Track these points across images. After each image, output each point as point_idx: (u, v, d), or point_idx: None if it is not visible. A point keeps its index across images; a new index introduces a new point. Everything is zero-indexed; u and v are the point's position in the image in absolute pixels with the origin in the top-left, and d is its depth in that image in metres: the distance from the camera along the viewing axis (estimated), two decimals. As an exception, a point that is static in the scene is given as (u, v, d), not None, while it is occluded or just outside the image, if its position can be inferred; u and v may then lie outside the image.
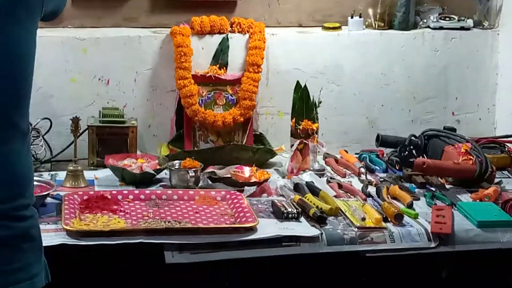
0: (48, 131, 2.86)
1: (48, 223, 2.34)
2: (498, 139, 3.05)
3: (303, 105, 2.95)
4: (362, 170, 2.83)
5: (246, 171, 2.75)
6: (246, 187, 2.65)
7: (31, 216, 1.76)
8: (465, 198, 2.63)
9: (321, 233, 2.32)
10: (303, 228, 2.35)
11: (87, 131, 2.87)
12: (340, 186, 2.71)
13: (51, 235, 2.24)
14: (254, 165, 2.81)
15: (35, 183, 2.50)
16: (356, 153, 3.03)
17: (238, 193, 2.58)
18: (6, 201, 1.68)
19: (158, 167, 2.75)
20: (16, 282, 1.70)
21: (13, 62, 1.73)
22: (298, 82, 2.97)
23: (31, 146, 2.75)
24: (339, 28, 3.13)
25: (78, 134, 2.77)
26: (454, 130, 2.99)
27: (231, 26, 3.05)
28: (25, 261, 1.72)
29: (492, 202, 2.55)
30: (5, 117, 1.68)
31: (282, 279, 2.35)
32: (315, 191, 2.60)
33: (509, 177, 2.86)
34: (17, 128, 1.71)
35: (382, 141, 3.01)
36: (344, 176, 2.84)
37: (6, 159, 1.69)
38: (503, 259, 2.42)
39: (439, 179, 2.76)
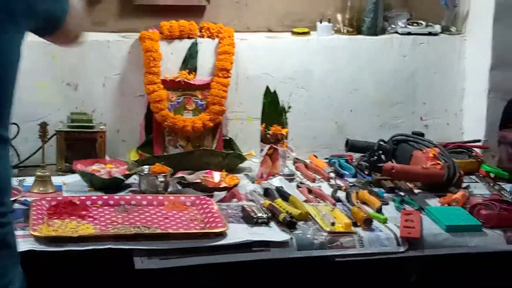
0: (15, 136, 2.83)
1: (16, 229, 2.30)
2: (465, 144, 3.07)
3: (273, 110, 2.95)
4: (332, 175, 2.84)
5: (216, 176, 2.75)
6: (216, 192, 2.65)
7: (8, 223, 1.75)
8: (434, 202, 2.64)
9: (291, 238, 2.32)
10: (273, 233, 2.35)
11: (55, 136, 2.85)
12: (309, 191, 2.71)
13: (19, 241, 2.19)
14: (224, 170, 2.81)
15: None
16: (325, 158, 3.03)
17: (208, 198, 2.57)
18: None
19: (127, 172, 2.73)
20: None
21: None
22: (267, 87, 2.97)
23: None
24: (308, 33, 3.14)
25: (46, 139, 2.75)
26: (422, 135, 3.00)
27: (200, 31, 3.05)
28: (0, 268, 1.71)
29: (460, 206, 2.57)
30: None
31: (253, 284, 2.34)
32: (285, 196, 2.60)
33: (477, 182, 2.87)
34: None
35: (351, 146, 3.02)
36: (313, 181, 2.84)
37: None
38: (471, 263, 2.43)
39: (408, 184, 2.77)
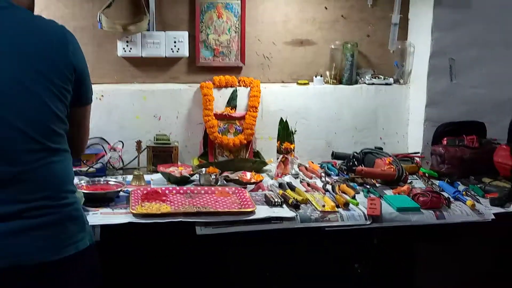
0: (121, 149, 2.86)
1: (121, 208, 2.33)
2: (409, 154, 3.05)
3: (285, 133, 2.95)
4: (323, 174, 2.82)
5: (248, 175, 2.74)
6: (248, 185, 2.64)
7: (71, 203, 1.72)
8: (389, 192, 2.62)
9: (296, 215, 2.31)
10: (285, 211, 2.34)
11: (146, 149, 2.86)
12: (308, 184, 2.70)
13: (122, 216, 2.23)
14: (253, 171, 2.80)
15: (113, 182, 2.54)
16: (319, 164, 3.01)
17: (243, 189, 2.56)
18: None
19: (191, 172, 2.73)
20: (64, 246, 1.67)
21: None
22: (281, 118, 2.97)
23: (112, 159, 2.78)
24: (307, 83, 3.13)
25: (141, 151, 2.76)
26: (381, 149, 2.99)
27: (239, 82, 3.04)
28: (71, 232, 1.70)
29: (406, 195, 2.55)
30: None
31: (271, 245, 2.33)
32: (292, 188, 2.59)
33: (417, 179, 2.84)
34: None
35: (335, 156, 3.01)
36: (311, 178, 2.82)
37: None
38: (413, 232, 2.41)
39: (372, 180, 2.75)
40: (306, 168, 2.93)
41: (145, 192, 2.46)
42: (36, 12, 2.83)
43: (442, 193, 2.55)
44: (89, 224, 1.85)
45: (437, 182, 2.77)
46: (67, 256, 1.67)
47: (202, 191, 2.54)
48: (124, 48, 2.93)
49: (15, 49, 1.63)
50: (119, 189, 2.45)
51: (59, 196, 1.68)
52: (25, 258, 1.61)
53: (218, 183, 2.66)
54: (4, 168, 1.60)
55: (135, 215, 2.22)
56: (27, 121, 1.62)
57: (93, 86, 2.89)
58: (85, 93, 1.83)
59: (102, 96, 2.89)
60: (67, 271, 1.69)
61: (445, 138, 2.91)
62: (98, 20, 2.84)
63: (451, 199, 2.52)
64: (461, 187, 2.68)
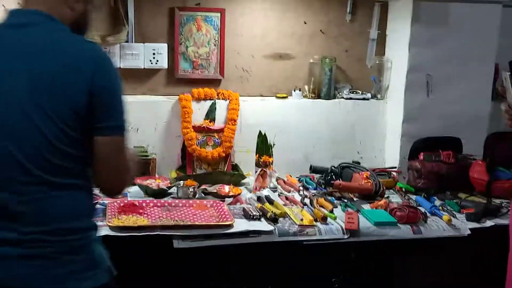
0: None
1: (97, 221, 2.28)
2: (386, 169, 3.05)
3: (263, 146, 2.93)
4: (301, 188, 2.82)
5: (226, 188, 2.72)
6: (226, 199, 2.63)
7: (77, 239, 1.61)
8: (366, 206, 2.62)
9: (274, 229, 2.30)
10: (263, 225, 2.33)
11: (123, 161, 2.82)
12: (286, 198, 2.69)
13: (99, 229, 2.19)
14: (231, 184, 2.79)
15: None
16: (296, 177, 3.00)
17: (221, 202, 2.54)
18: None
19: (169, 185, 2.71)
20: (66, 280, 1.58)
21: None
22: (260, 131, 2.96)
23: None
24: (286, 97, 3.12)
25: (118, 163, 2.73)
26: (359, 163, 2.99)
27: (218, 95, 3.03)
28: (74, 268, 1.59)
29: (383, 209, 2.55)
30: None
31: (248, 259, 2.31)
32: (271, 201, 2.58)
33: (394, 194, 2.85)
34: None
35: (313, 169, 3.01)
36: (289, 191, 2.81)
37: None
38: (390, 246, 2.41)
39: (350, 194, 2.75)
40: (284, 181, 2.92)
41: (122, 204, 2.43)
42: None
43: (419, 208, 2.55)
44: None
45: (413, 197, 2.78)
46: None
47: (180, 204, 2.51)
48: (102, 59, 2.90)
49: (26, 68, 1.51)
50: (95, 202, 2.41)
51: (57, 233, 1.55)
52: (23, 285, 1.54)
53: (196, 196, 2.64)
54: (5, 196, 1.53)
55: (111, 227, 2.19)
56: (24, 151, 1.51)
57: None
58: (108, 121, 1.57)
59: (80, 107, 2.85)
60: None
61: (422, 153, 2.93)
62: (77, 30, 2.81)
63: (428, 214, 2.53)
64: (437, 202, 2.70)
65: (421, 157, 2.92)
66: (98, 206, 2.41)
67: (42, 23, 1.58)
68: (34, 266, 1.54)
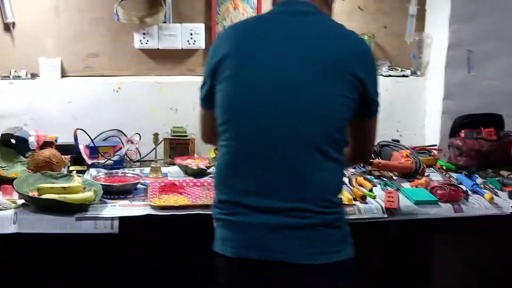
0: (138, 141, 2.85)
1: (139, 200, 2.32)
2: (426, 147, 3.00)
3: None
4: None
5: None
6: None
7: (333, 213, 1.67)
8: (406, 185, 2.59)
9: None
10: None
11: (163, 141, 2.84)
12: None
13: (141, 208, 2.22)
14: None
15: (131, 174, 2.54)
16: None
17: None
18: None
19: (208, 165, 2.72)
20: (325, 253, 1.64)
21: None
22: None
23: (129, 152, 2.77)
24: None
25: (157, 143, 2.75)
26: (398, 141, 2.95)
27: (255, 74, 3.01)
28: (330, 242, 1.66)
29: (424, 188, 2.51)
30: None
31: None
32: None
33: (434, 172, 2.81)
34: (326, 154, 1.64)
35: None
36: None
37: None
38: (431, 225, 2.38)
39: (389, 173, 2.72)
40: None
41: (162, 184, 2.45)
42: (52, 3, 2.85)
43: (460, 186, 2.51)
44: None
45: (454, 175, 2.73)
46: (329, 262, 1.63)
47: (219, 184, 2.52)
48: (140, 40, 2.91)
49: (311, 52, 1.64)
50: (137, 182, 2.44)
51: (320, 204, 1.63)
52: (290, 256, 1.60)
53: (235, 176, 2.64)
54: (278, 167, 1.61)
55: (153, 207, 2.21)
56: (315, 128, 1.62)
57: (110, 78, 2.94)
58: (368, 107, 1.76)
59: (119, 88, 2.88)
60: (323, 278, 1.64)
61: (463, 131, 2.87)
62: (115, 12, 2.82)
63: (469, 192, 2.48)
64: (479, 180, 2.65)
65: (462, 134, 2.86)
66: (139, 186, 2.44)
67: (318, 13, 1.72)
68: (297, 237, 1.60)
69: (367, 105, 1.73)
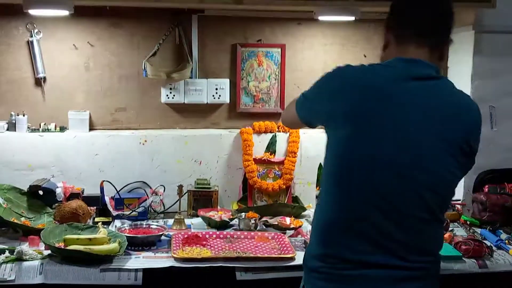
0: (163, 193, 2.89)
1: (163, 252, 2.34)
2: (450, 202, 2.98)
3: (324, 178, 2.94)
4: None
5: (287, 220, 2.73)
6: (287, 231, 2.63)
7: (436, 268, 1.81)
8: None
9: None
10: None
11: (187, 193, 2.88)
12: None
13: (164, 260, 2.24)
14: (292, 216, 2.79)
15: (155, 226, 2.56)
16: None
17: (282, 234, 2.55)
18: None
19: (231, 217, 2.74)
20: None
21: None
22: (320, 164, 2.95)
23: (154, 203, 2.81)
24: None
25: (181, 195, 2.78)
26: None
27: (278, 128, 3.07)
28: None
29: (448, 243, 2.49)
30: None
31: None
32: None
33: (458, 227, 2.78)
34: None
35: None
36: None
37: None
38: (455, 281, 2.34)
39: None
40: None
41: (186, 236, 2.47)
42: (83, 61, 2.95)
43: (484, 241, 2.49)
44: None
45: (478, 230, 2.71)
46: None
47: (242, 236, 2.54)
48: (167, 95, 2.99)
49: (439, 129, 1.68)
50: (161, 233, 2.47)
51: (431, 261, 1.76)
52: None
53: (258, 228, 2.66)
54: (390, 224, 1.67)
55: (176, 259, 2.23)
56: (433, 192, 1.68)
57: (136, 131, 3.00)
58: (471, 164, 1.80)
59: (145, 141, 2.94)
60: None
61: (487, 186, 2.86)
62: (143, 68, 2.91)
63: (494, 248, 2.46)
64: (503, 236, 2.62)
65: (486, 189, 2.85)
66: (163, 237, 2.47)
67: (440, 78, 1.74)
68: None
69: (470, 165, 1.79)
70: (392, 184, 1.65)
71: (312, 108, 1.82)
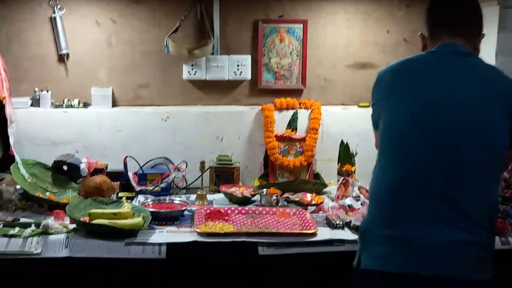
0: (185, 169, 2.91)
1: (186, 227, 2.37)
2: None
3: (345, 155, 2.94)
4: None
5: (309, 196, 2.74)
6: (309, 207, 2.64)
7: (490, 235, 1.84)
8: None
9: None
10: (347, 234, 2.33)
11: (209, 169, 2.90)
12: (369, 207, 2.67)
13: (187, 235, 2.27)
14: (313, 192, 2.80)
15: (177, 201, 2.59)
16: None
17: (304, 210, 2.57)
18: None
19: (253, 193, 2.75)
20: (477, 270, 1.79)
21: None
22: (342, 140, 2.96)
23: (176, 179, 2.83)
24: (369, 106, 3.10)
25: (203, 171, 2.80)
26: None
27: (299, 105, 3.07)
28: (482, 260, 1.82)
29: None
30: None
31: (332, 268, 2.30)
32: (354, 211, 2.57)
33: None
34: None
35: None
36: (371, 201, 2.79)
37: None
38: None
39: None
40: (366, 190, 2.89)
41: (208, 211, 2.50)
42: (105, 37, 2.96)
43: (507, 218, 2.47)
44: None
45: (502, 207, 2.69)
46: (480, 279, 1.80)
47: (264, 212, 2.56)
48: (189, 72, 3.00)
49: (476, 93, 1.79)
50: (184, 208, 2.50)
51: (484, 225, 1.79)
52: (459, 273, 1.75)
53: (279, 204, 2.67)
54: (449, 192, 1.75)
55: (199, 234, 2.26)
56: (487, 157, 1.76)
57: (158, 108, 3.02)
58: None
59: (168, 117, 2.96)
60: None
61: (510, 163, 2.83)
62: (165, 44, 2.92)
63: (516, 225, 2.45)
64: (526, 213, 2.60)
65: (510, 167, 2.82)
66: (186, 212, 2.49)
67: (473, 54, 1.91)
68: (466, 254, 1.76)
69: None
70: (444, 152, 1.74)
71: (377, 108, 1.93)
